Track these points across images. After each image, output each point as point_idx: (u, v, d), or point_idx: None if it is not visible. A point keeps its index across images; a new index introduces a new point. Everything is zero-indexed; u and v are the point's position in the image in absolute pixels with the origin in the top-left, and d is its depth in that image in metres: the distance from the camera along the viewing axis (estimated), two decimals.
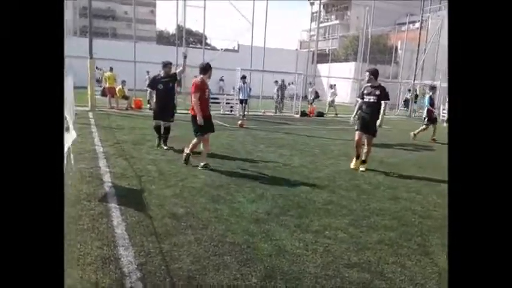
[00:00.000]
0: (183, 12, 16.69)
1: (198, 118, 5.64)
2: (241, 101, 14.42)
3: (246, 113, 14.49)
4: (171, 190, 4.60)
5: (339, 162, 7.10)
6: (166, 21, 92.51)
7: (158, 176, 5.24)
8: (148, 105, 7.42)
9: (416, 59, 21.30)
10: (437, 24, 22.40)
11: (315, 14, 27.04)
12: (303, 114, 17.02)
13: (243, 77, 14.52)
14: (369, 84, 6.43)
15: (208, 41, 33.41)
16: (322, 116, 17.58)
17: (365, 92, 6.42)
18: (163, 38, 43.56)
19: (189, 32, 29.98)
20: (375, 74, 6.46)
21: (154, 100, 7.20)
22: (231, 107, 16.21)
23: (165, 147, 7.22)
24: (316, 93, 17.79)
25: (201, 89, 5.73)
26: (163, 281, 2.59)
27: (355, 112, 6.63)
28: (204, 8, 16.72)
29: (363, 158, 6.48)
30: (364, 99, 6.39)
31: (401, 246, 3.38)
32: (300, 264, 2.93)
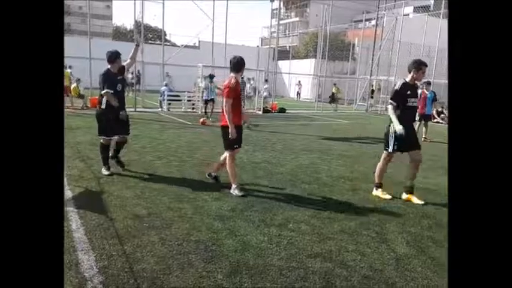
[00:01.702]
0: (140, 7, 16.22)
1: (230, 130, 4.41)
2: (207, 101, 13.04)
3: (211, 111, 13.49)
4: (131, 191, 4.49)
5: (301, 156, 7.26)
6: (123, 16, 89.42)
7: (118, 177, 5.09)
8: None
9: (373, 55, 22.12)
10: (391, 21, 23.37)
11: (275, 11, 27.31)
12: (265, 110, 17.16)
13: (211, 76, 13.13)
14: (415, 82, 4.70)
15: (168, 37, 32.74)
16: (284, 112, 17.82)
17: (409, 92, 4.56)
18: (120, 34, 42.09)
19: (148, 28, 29.18)
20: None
21: (104, 106, 5.12)
22: (193, 104, 16.01)
23: (121, 170, 5.36)
24: (254, 89, 17.82)
25: (237, 92, 4.51)
26: (127, 282, 2.54)
27: (397, 121, 4.47)
28: (163, 3, 16.35)
29: (409, 184, 4.72)
30: (408, 104, 4.58)
31: (360, 235, 3.53)
32: (265, 258, 2.98)
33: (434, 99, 10.82)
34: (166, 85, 15.82)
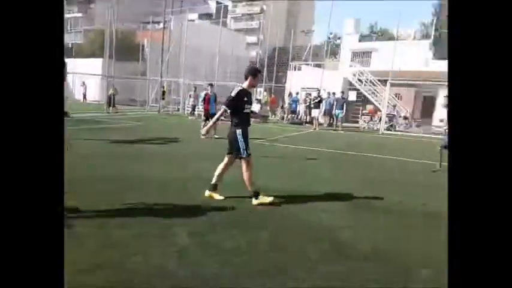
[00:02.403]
0: None
1: None
2: None
3: None
4: None
5: (87, 162, 6.64)
6: None
7: None
8: None
9: (162, 57, 22.55)
10: (179, 25, 24.40)
11: None
12: None
13: None
14: (248, 87, 4.73)
15: None
16: (68, 116, 15.86)
17: (245, 99, 4.65)
18: None
19: None
20: None
21: None
22: None
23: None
24: None
25: None
26: None
27: (212, 125, 4.94)
28: None
29: (254, 189, 4.68)
30: (245, 110, 4.67)
31: (146, 236, 3.51)
32: None
33: (215, 99, 12.06)
34: None
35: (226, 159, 4.83)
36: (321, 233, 3.86)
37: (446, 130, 7.43)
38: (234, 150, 4.67)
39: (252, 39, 43.97)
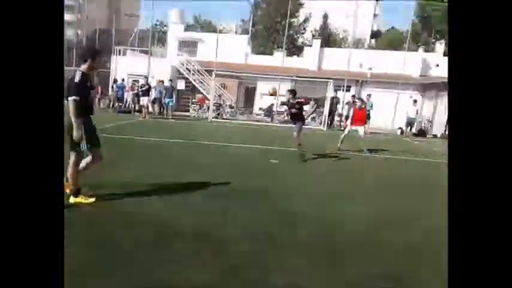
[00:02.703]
0: None
1: None
2: None
3: None
4: None
5: None
6: None
7: None
8: None
9: None
10: None
11: None
12: None
13: None
14: (88, 70, 4.13)
15: None
16: None
17: (88, 84, 4.10)
18: None
19: None
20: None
21: None
22: None
23: None
24: None
25: None
26: None
27: (80, 125, 3.96)
28: None
29: (76, 187, 4.18)
30: (90, 96, 4.23)
31: None
32: None
33: None
34: None
35: (89, 157, 4.23)
36: (152, 223, 3.89)
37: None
38: (73, 142, 4.01)
39: (67, 17, 38.73)
